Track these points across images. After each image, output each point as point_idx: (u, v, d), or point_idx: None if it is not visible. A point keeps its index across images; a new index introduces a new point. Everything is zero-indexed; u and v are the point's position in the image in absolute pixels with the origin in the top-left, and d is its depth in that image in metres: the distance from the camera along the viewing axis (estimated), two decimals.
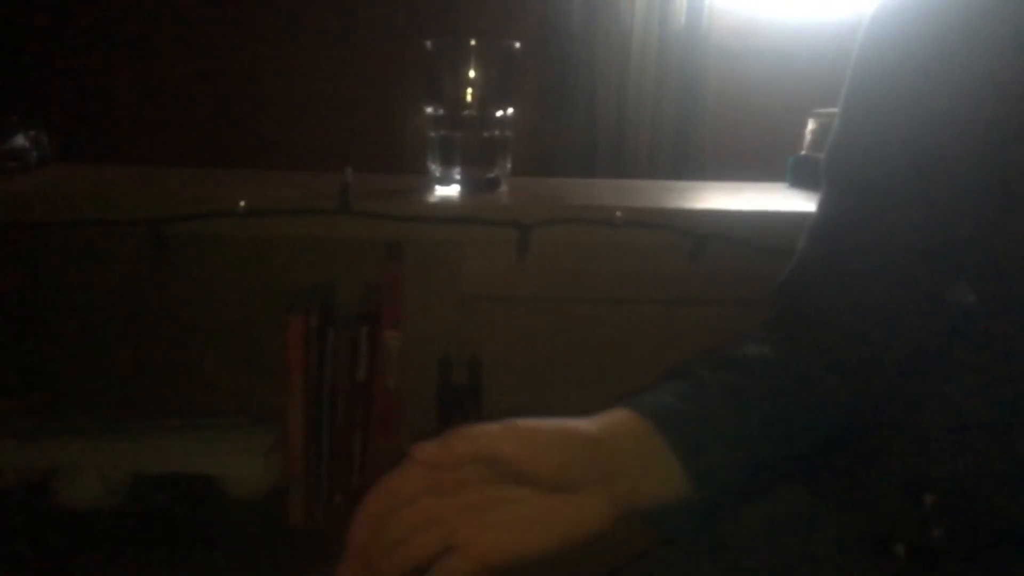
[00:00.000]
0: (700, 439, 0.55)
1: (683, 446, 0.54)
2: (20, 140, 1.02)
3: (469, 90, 0.98)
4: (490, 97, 0.99)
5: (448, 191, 1.00)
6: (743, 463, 0.56)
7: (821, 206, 0.65)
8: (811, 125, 1.19)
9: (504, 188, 1.01)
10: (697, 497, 0.54)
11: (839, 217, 0.63)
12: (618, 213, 0.92)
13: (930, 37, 0.54)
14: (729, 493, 0.56)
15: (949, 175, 0.55)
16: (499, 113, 0.99)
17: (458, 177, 1.00)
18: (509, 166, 1.03)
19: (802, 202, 1.02)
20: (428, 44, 0.98)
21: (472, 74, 0.98)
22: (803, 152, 1.19)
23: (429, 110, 1.00)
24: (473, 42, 0.97)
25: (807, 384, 0.60)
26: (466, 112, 0.98)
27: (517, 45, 0.99)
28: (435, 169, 1.01)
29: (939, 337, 0.60)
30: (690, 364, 0.61)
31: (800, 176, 1.17)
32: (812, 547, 0.61)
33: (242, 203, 0.88)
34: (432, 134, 1.00)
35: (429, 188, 1.00)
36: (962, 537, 0.52)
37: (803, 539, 0.61)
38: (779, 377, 0.60)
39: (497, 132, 1.00)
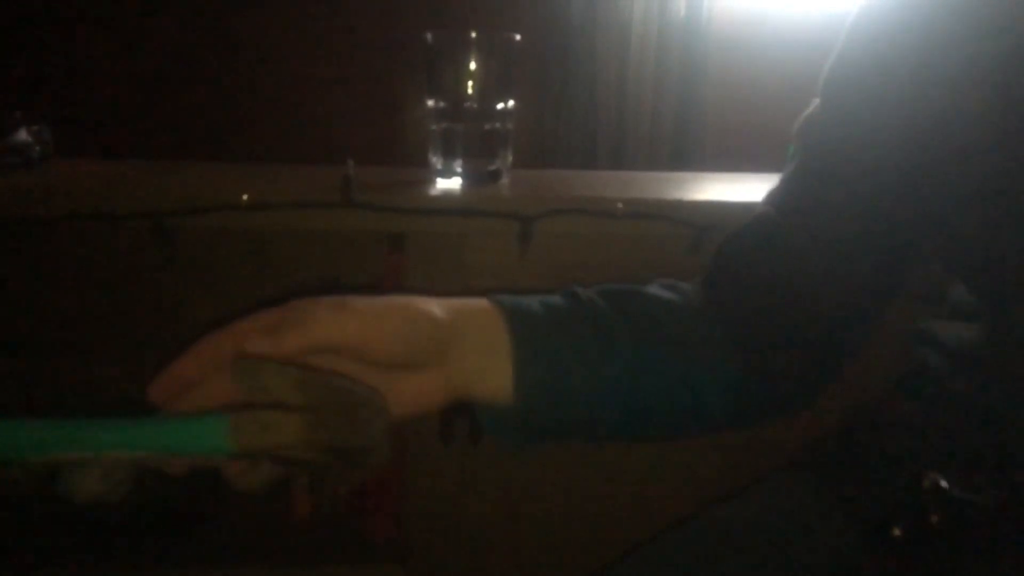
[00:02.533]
0: (542, 346, 0.53)
1: (523, 348, 0.52)
2: (23, 135, 1.03)
3: (470, 83, 0.98)
4: (491, 89, 0.99)
5: (450, 183, 1.00)
6: (579, 390, 0.54)
7: (788, 178, 0.63)
8: None
9: (505, 180, 1.02)
10: (520, 406, 0.52)
11: (804, 185, 0.61)
12: (619, 205, 0.92)
13: (922, 27, 0.54)
14: (555, 417, 0.54)
15: (937, 171, 0.54)
16: (500, 105, 1.00)
17: (459, 169, 1.00)
18: (510, 158, 1.03)
19: None
20: (428, 37, 0.98)
21: (473, 66, 0.98)
22: None
23: (430, 103, 1.00)
24: (474, 34, 0.97)
25: (692, 339, 0.57)
26: (467, 104, 0.98)
27: (518, 37, 0.99)
28: (436, 161, 1.01)
29: (867, 317, 0.60)
30: (581, 286, 0.59)
31: None
32: (812, 533, 0.61)
33: (245, 196, 0.89)
34: (433, 127, 1.01)
35: (431, 180, 1.01)
36: (959, 522, 0.53)
37: (803, 525, 0.62)
38: (661, 322, 0.57)
39: (498, 124, 1.00)
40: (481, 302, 0.55)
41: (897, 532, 0.54)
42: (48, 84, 1.21)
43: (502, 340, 0.53)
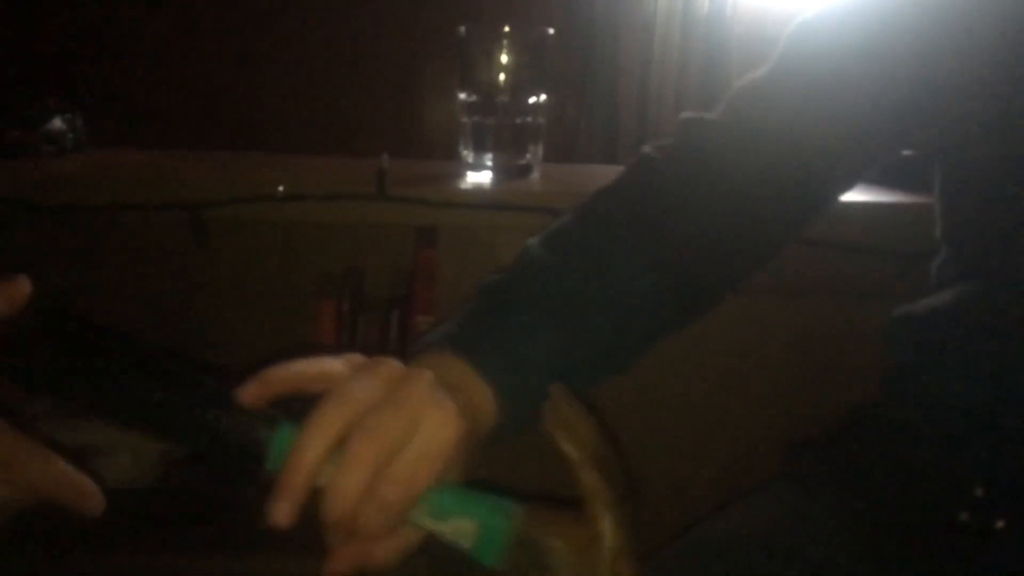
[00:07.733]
0: (504, 362, 0.52)
1: (491, 372, 0.51)
2: (57, 123, 1.03)
3: (502, 76, 0.99)
4: (523, 83, 0.99)
5: (480, 177, 1.00)
6: (554, 368, 0.53)
7: (763, 78, 0.62)
8: None
9: (536, 174, 1.02)
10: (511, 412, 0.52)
11: (770, 92, 0.61)
12: None
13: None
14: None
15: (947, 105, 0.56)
16: (531, 100, 1.00)
17: (490, 163, 1.00)
18: (541, 152, 1.03)
19: None
20: (461, 30, 0.98)
21: (505, 60, 0.98)
22: None
23: (462, 96, 1.00)
24: (507, 28, 0.97)
25: (616, 281, 0.57)
26: (499, 98, 0.98)
27: (551, 31, 0.99)
28: (467, 155, 1.01)
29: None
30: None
31: None
32: (808, 543, 0.60)
33: (281, 188, 0.89)
34: (464, 120, 1.01)
35: (462, 174, 1.01)
36: (1016, 529, 0.52)
37: (798, 535, 0.60)
38: (581, 276, 0.57)
39: (529, 119, 1.00)
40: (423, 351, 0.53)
41: (964, 516, 0.52)
42: (82, 72, 1.21)
43: (466, 370, 0.51)
